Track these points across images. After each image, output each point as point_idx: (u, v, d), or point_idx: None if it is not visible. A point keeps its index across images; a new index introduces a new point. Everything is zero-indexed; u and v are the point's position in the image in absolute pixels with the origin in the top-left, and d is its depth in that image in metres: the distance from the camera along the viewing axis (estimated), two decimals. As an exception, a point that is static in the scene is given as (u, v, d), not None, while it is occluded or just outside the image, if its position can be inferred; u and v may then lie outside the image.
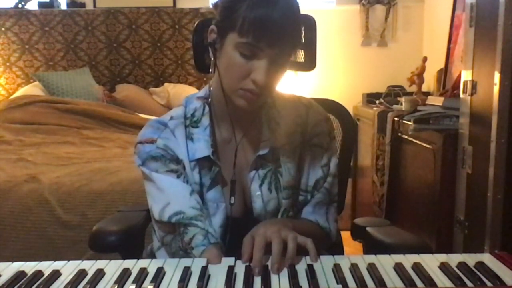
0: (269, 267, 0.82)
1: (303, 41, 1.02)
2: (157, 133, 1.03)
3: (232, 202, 1.02)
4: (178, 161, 1.02)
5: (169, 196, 1.00)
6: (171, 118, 1.05)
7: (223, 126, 1.04)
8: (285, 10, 0.87)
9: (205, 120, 1.03)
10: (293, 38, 0.92)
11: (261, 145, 1.03)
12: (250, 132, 1.04)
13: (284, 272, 0.81)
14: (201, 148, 1.01)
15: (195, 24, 1.04)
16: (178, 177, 1.01)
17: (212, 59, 0.97)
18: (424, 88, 2.83)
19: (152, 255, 1.13)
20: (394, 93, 3.01)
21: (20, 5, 3.69)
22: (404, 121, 2.23)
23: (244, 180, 1.04)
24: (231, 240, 1.01)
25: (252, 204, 1.03)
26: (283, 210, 1.04)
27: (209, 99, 1.04)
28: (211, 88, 1.04)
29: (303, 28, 0.99)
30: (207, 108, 1.03)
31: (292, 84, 3.45)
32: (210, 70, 0.99)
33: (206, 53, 0.99)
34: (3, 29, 3.62)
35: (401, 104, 2.51)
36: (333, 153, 1.10)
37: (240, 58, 0.90)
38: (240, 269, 0.82)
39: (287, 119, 1.06)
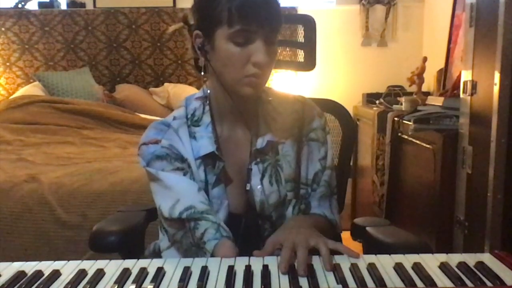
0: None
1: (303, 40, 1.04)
2: (160, 134, 1.04)
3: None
4: (183, 159, 1.03)
5: (178, 192, 1.01)
6: (174, 118, 1.06)
7: (223, 124, 1.06)
8: None
9: (206, 118, 1.04)
10: (278, 11, 0.95)
11: (258, 139, 1.04)
12: (249, 128, 1.06)
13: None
14: (205, 145, 1.02)
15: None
16: (184, 175, 1.02)
17: (201, 61, 1.01)
18: (424, 88, 2.83)
19: (155, 254, 1.13)
20: (394, 93, 3.01)
21: (20, 5, 3.69)
22: (404, 121, 2.23)
23: (245, 175, 1.05)
24: (235, 235, 1.01)
25: (254, 198, 1.04)
26: (294, 203, 1.06)
27: (208, 99, 1.06)
28: (208, 90, 1.06)
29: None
30: (207, 107, 1.05)
31: (292, 84, 3.45)
32: (202, 73, 1.02)
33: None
34: (3, 29, 3.62)
35: (401, 104, 2.51)
36: (329, 147, 1.12)
37: (236, 48, 0.94)
38: (240, 269, 0.82)
39: (284, 114, 1.09)
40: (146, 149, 1.03)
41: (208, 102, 1.06)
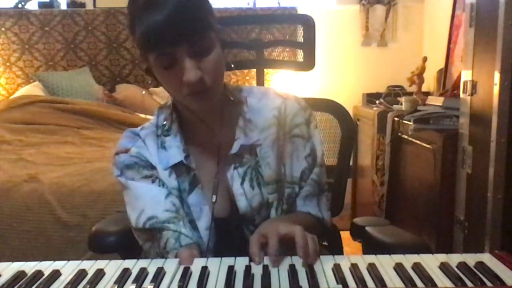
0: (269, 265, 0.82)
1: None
2: (131, 142, 1.05)
3: (214, 200, 1.00)
4: (152, 166, 1.02)
5: (143, 202, 1.00)
6: (142, 128, 1.07)
7: (195, 129, 1.04)
8: (166, 5, 0.84)
9: (175, 127, 1.03)
10: (192, 23, 0.86)
11: (234, 143, 1.02)
12: (223, 131, 1.04)
13: (284, 272, 0.81)
14: (174, 154, 1.01)
15: None
16: (153, 182, 1.01)
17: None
18: (424, 88, 2.83)
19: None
20: (394, 93, 3.01)
21: (20, 5, 3.69)
22: (404, 121, 2.23)
23: (226, 180, 1.03)
24: (220, 241, 1.01)
25: (237, 202, 1.02)
26: (276, 205, 1.04)
27: (173, 107, 1.04)
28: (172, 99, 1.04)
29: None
30: (174, 115, 1.04)
31: (292, 84, 3.45)
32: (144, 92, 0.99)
33: None
34: (3, 29, 3.62)
35: (401, 104, 2.50)
36: (316, 143, 1.08)
37: (165, 71, 0.89)
38: (240, 269, 0.82)
39: (261, 113, 1.04)
40: (118, 159, 1.04)
41: (175, 109, 1.04)
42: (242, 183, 1.02)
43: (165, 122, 1.05)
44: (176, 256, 0.94)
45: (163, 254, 0.98)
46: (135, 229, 1.02)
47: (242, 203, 1.02)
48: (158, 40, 0.85)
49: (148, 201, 1.00)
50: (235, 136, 1.02)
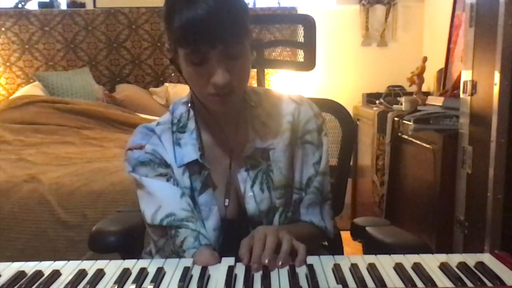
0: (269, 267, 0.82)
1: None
2: (145, 139, 1.03)
3: (227, 204, 1.01)
4: (167, 165, 1.02)
5: (160, 199, 1.00)
6: (158, 123, 1.06)
7: (209, 129, 1.04)
8: (209, 3, 0.84)
9: (191, 124, 1.03)
10: (231, 24, 0.86)
11: (246, 146, 1.02)
12: (237, 134, 1.03)
13: (284, 272, 0.81)
14: (189, 152, 1.01)
15: None
16: (168, 180, 1.01)
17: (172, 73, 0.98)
18: (424, 88, 2.83)
19: (151, 255, 1.13)
20: (394, 93, 3.01)
21: (20, 5, 3.69)
22: (404, 121, 2.23)
23: (236, 182, 1.03)
24: (226, 242, 1.00)
25: (246, 205, 1.02)
26: (281, 211, 1.04)
27: (191, 104, 1.04)
28: (191, 94, 1.04)
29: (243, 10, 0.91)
30: (191, 112, 1.03)
31: (292, 84, 3.46)
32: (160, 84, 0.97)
33: None
34: (3, 29, 3.62)
35: (401, 104, 2.51)
36: (323, 150, 1.07)
37: (194, 68, 0.89)
38: (240, 270, 0.82)
39: (276, 118, 1.05)
40: (131, 155, 1.03)
41: (193, 107, 1.04)
42: (252, 186, 1.02)
43: (180, 119, 1.04)
44: (194, 256, 0.93)
45: (178, 253, 0.97)
46: (150, 225, 1.02)
47: (251, 206, 1.02)
48: (195, 37, 0.85)
49: (164, 198, 1.00)
50: (249, 139, 1.02)
